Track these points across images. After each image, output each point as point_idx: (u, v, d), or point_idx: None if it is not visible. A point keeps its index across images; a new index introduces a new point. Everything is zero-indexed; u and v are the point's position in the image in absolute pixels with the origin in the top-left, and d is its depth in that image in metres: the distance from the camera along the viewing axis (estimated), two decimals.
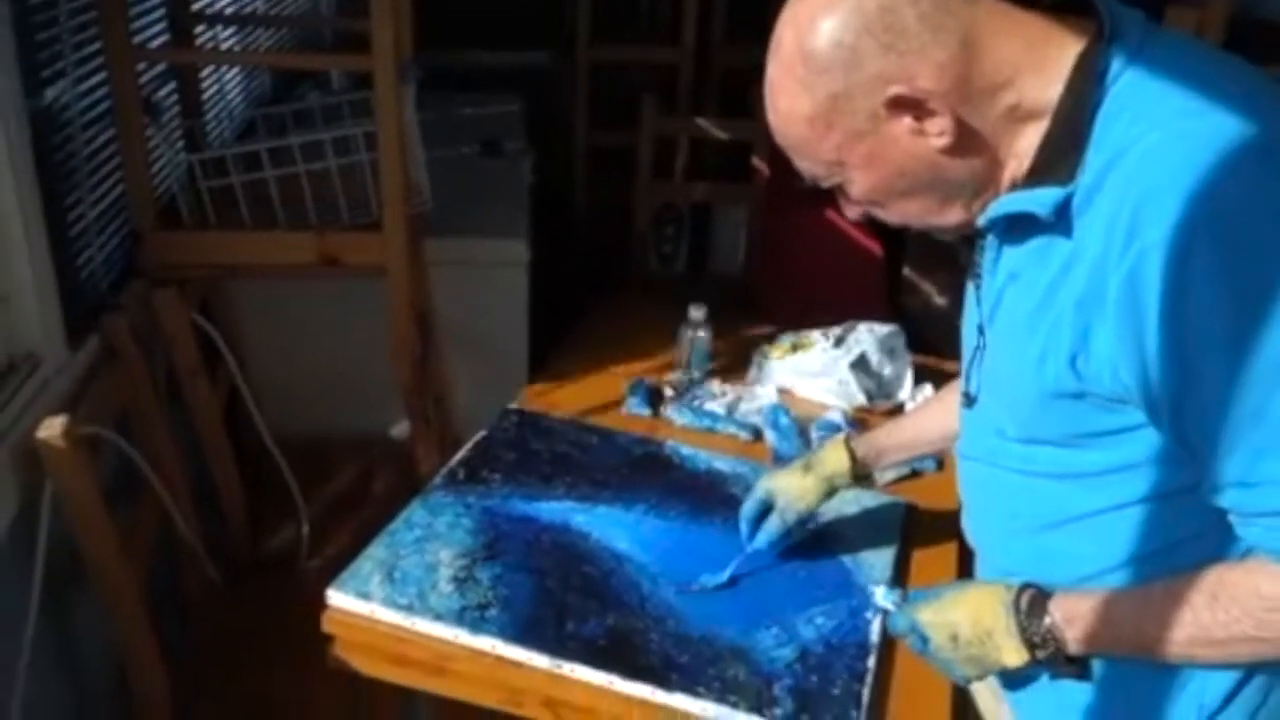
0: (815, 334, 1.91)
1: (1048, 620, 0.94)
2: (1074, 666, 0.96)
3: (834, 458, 1.32)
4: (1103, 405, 0.88)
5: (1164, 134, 0.80)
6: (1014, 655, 0.96)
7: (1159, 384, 0.81)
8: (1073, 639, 0.94)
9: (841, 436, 1.35)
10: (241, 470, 2.05)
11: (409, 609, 1.20)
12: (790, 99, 0.90)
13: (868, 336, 1.86)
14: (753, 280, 3.00)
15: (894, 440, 1.35)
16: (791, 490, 1.32)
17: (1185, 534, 0.90)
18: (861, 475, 1.35)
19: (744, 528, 1.34)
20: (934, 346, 2.01)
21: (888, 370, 1.85)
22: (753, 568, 1.32)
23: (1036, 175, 0.88)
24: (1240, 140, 0.77)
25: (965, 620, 1.00)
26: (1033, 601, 0.96)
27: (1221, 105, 0.79)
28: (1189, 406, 0.81)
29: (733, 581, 1.30)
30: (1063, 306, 0.86)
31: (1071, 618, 0.94)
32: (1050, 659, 0.95)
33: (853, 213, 0.99)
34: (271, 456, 2.00)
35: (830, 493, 1.33)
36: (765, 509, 1.33)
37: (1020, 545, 1.02)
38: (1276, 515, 0.80)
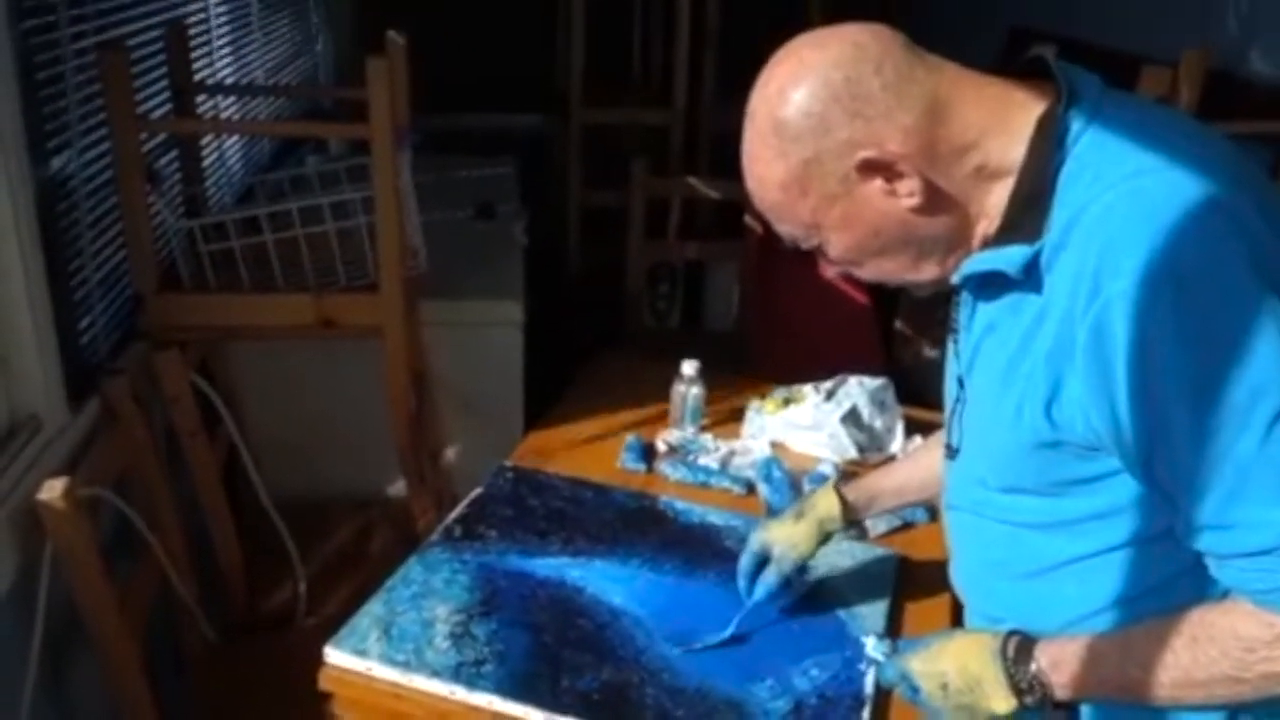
0: (807, 388, 1.93)
1: (1034, 666, 0.95)
2: (1062, 712, 0.97)
3: (825, 503, 1.34)
4: (1079, 453, 0.90)
5: (1122, 191, 0.83)
6: (1003, 702, 0.97)
7: (1129, 430, 0.84)
8: (1059, 684, 0.95)
9: (830, 482, 1.37)
10: (239, 529, 2.06)
11: (406, 665, 1.21)
12: (765, 167, 0.94)
13: (858, 390, 1.89)
14: (746, 335, 3.03)
15: (883, 485, 1.37)
16: (785, 539, 1.33)
17: (1168, 576, 0.92)
18: (853, 521, 1.36)
19: (742, 583, 1.34)
20: (927, 399, 2.01)
21: (879, 423, 1.87)
22: (754, 623, 1.32)
23: (1006, 233, 0.91)
24: (1193, 195, 0.81)
25: (954, 669, 1.00)
26: (1019, 648, 0.97)
27: (1176, 162, 0.83)
28: (1159, 452, 0.83)
29: (733, 637, 1.30)
30: (1035, 358, 0.89)
31: (1057, 663, 0.95)
32: (1039, 705, 0.96)
33: (832, 271, 1.03)
34: (269, 516, 2.01)
35: (824, 538, 1.34)
36: (761, 561, 1.34)
37: (1006, 592, 1.04)
38: (1250, 556, 0.82)
